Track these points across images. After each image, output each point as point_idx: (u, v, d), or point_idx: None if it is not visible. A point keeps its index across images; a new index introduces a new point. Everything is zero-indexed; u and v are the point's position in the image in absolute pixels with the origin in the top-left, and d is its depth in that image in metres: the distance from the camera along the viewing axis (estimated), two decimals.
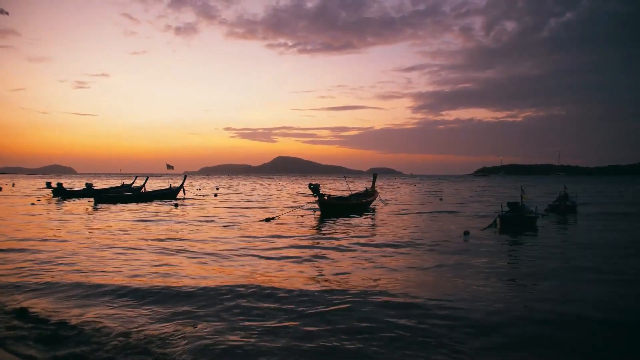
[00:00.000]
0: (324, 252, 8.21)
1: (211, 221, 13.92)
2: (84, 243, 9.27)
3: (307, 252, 8.15)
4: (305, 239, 9.68)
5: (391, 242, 9.28)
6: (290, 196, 29.09)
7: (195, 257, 7.74)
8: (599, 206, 21.14)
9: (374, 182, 22.21)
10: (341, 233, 10.95)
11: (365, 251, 8.39)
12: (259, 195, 30.80)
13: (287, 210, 17.47)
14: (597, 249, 8.73)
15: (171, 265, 7.14)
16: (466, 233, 10.74)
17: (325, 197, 16.15)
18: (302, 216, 15.48)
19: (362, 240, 9.60)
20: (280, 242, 9.31)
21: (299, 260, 7.50)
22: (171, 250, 8.38)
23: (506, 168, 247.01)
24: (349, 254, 8.13)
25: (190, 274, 6.51)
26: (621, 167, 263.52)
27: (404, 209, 18.85)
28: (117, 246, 8.81)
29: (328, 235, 10.46)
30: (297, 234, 10.67)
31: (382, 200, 22.45)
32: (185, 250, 8.37)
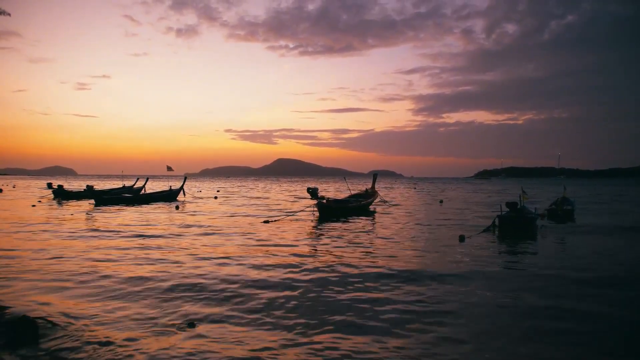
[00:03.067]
0: (309, 276, 6.71)
1: (204, 227, 13.91)
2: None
3: (294, 277, 6.60)
4: (293, 257, 8.22)
5: (385, 264, 7.79)
6: (290, 198, 29.12)
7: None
8: (599, 210, 21.10)
9: (374, 182, 22.21)
10: (335, 241, 10.39)
11: (355, 266, 7.49)
12: (258, 197, 30.83)
13: (286, 212, 17.50)
14: (596, 265, 7.90)
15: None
16: (462, 239, 10.66)
17: (324, 201, 16.20)
18: (298, 220, 15.48)
19: (354, 255, 8.65)
20: (263, 260, 7.87)
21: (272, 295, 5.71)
22: (123, 280, 6.38)
23: (507, 170, 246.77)
24: (338, 274, 7.01)
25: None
26: (622, 169, 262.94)
27: (403, 213, 18.87)
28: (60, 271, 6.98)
29: (321, 245, 9.77)
30: (288, 244, 10.22)
31: (383, 200, 22.44)
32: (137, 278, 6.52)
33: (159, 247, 9.36)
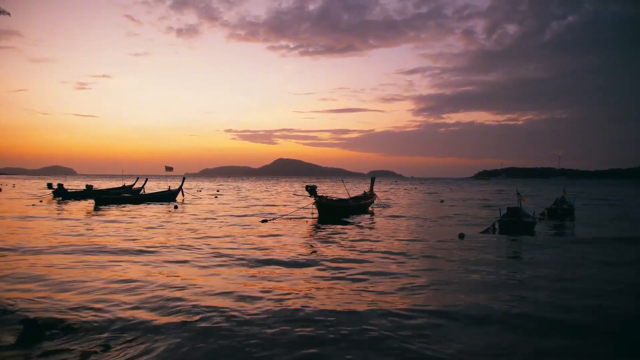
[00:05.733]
0: (300, 301, 5.33)
1: (199, 231, 13.82)
2: None
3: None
4: (287, 279, 6.55)
5: (381, 261, 7.91)
6: (289, 198, 29.08)
7: None
8: (601, 213, 21.07)
9: (372, 185, 22.18)
10: (331, 247, 9.52)
11: (349, 269, 7.20)
12: (258, 197, 30.81)
13: (285, 212, 17.44)
14: (597, 270, 7.58)
15: None
16: (461, 236, 10.61)
17: (324, 200, 16.11)
18: (296, 220, 15.42)
19: (351, 257, 8.27)
20: (251, 287, 5.99)
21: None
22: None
23: (507, 171, 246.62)
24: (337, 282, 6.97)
25: None
26: (622, 170, 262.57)
27: (403, 212, 18.82)
28: None
29: (318, 247, 9.36)
30: (282, 255, 9.23)
31: (381, 203, 22.40)
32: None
33: (156, 258, 9.25)
